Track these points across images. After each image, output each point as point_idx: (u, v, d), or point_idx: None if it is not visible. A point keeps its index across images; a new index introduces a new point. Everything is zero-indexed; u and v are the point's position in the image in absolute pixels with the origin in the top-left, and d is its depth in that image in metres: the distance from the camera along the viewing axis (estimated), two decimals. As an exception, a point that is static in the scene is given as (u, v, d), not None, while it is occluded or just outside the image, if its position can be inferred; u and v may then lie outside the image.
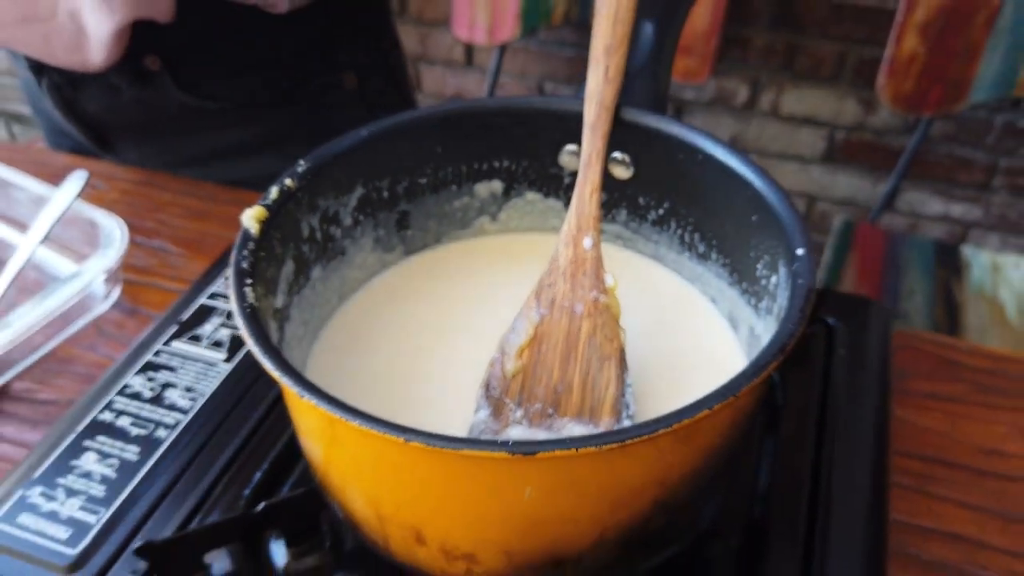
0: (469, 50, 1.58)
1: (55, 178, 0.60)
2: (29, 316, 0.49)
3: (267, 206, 0.32)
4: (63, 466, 0.36)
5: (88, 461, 0.36)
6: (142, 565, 0.32)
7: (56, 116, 0.77)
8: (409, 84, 0.86)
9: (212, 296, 0.46)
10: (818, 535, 0.35)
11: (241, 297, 0.28)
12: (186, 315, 0.44)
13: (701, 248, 0.36)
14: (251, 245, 0.30)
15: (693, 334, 0.35)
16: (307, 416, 0.28)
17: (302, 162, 0.33)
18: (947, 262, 1.19)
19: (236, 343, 0.42)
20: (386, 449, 0.25)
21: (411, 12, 1.55)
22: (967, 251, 1.20)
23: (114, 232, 0.55)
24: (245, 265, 0.29)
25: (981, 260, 1.19)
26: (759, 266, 0.32)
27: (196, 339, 0.42)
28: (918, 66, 1.14)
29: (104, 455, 0.37)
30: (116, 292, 0.56)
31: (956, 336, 1.04)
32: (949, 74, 1.14)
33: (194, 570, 0.32)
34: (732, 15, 1.28)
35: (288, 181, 0.33)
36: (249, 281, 0.29)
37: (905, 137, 1.32)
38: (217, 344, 0.41)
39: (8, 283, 0.52)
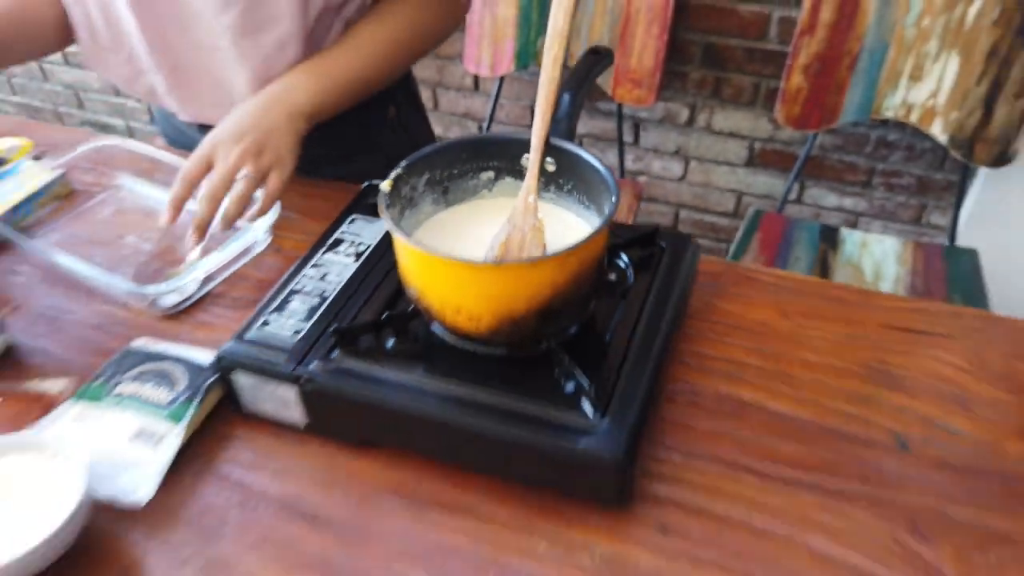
0: (476, 79, 1.88)
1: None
2: (229, 249, 0.83)
3: (392, 180, 0.67)
4: (281, 306, 0.71)
5: (293, 304, 0.71)
6: (330, 341, 0.66)
7: (194, 134, 1.03)
8: (423, 108, 1.15)
9: (336, 240, 0.78)
10: (631, 349, 0.69)
11: (387, 208, 0.63)
12: (327, 243, 0.78)
13: (586, 201, 0.70)
14: (388, 194, 0.65)
15: (577, 236, 0.70)
16: (410, 257, 0.62)
17: (404, 162, 0.68)
18: (828, 239, 1.52)
19: (360, 253, 0.76)
20: (444, 267, 0.60)
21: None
22: (844, 232, 1.53)
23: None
24: (388, 201, 0.64)
25: (854, 238, 1.52)
26: (603, 204, 0.67)
27: (336, 252, 0.77)
28: (803, 96, 1.46)
29: (300, 303, 0.71)
30: (270, 239, 0.90)
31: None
32: (825, 102, 1.46)
33: (351, 343, 0.66)
34: (672, 56, 1.60)
35: (399, 170, 0.67)
36: (388, 204, 0.64)
37: (804, 147, 1.66)
38: (347, 255, 0.76)
39: (203, 241, 0.85)
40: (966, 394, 0.71)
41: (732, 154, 1.75)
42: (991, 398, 0.71)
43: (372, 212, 0.81)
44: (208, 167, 0.78)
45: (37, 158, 1.01)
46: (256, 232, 0.86)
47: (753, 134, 1.71)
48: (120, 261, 0.88)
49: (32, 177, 0.94)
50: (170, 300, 0.81)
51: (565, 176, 0.70)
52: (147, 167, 0.98)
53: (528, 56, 1.62)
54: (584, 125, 1.84)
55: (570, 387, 0.62)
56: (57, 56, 2.29)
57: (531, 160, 0.67)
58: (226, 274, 0.86)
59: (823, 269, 1.44)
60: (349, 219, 0.80)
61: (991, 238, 1.49)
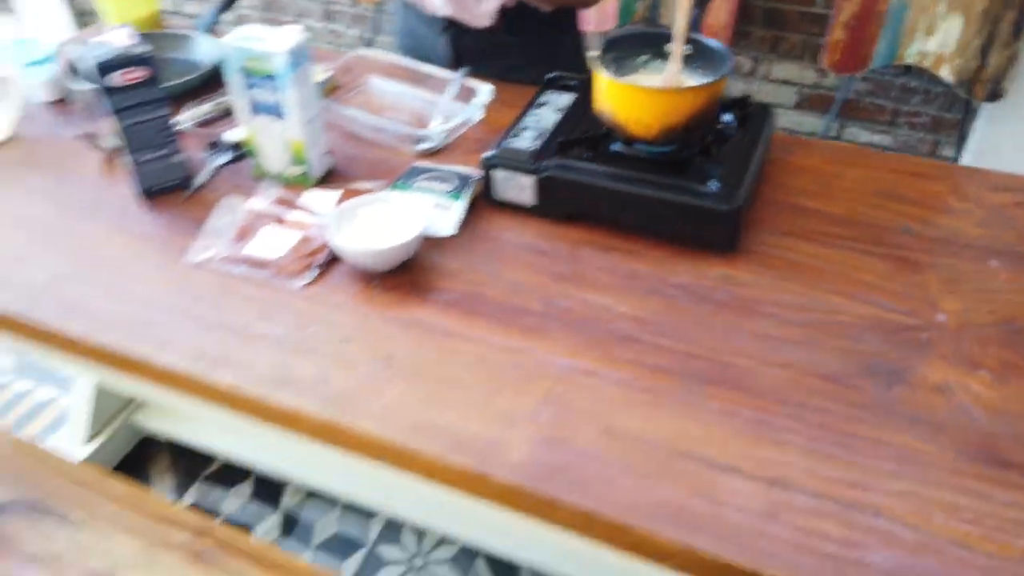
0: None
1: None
2: (460, 117, 1.23)
3: (600, 51, 1.06)
4: (517, 134, 1.10)
5: (525, 133, 1.10)
6: (554, 149, 1.05)
7: (436, 46, 1.43)
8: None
9: (540, 102, 1.18)
10: (737, 158, 1.07)
11: (600, 63, 1.02)
12: (536, 103, 1.17)
13: (707, 72, 1.09)
14: (597, 57, 1.04)
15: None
16: (613, 88, 1.01)
17: (602, 42, 1.07)
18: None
19: (559, 108, 1.15)
20: (636, 92, 0.99)
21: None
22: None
23: (485, 89, 1.29)
24: (599, 59, 1.03)
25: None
26: (721, 70, 1.06)
27: (543, 108, 1.16)
28: (843, 46, 1.82)
29: (529, 132, 1.10)
30: (482, 114, 1.29)
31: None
32: (859, 51, 1.82)
33: (567, 151, 1.05)
34: (740, 18, 1.97)
35: (600, 47, 1.07)
36: (600, 61, 1.03)
37: (842, 92, 2.02)
38: (550, 110, 1.16)
39: (442, 109, 1.25)
40: (949, 206, 1.09)
41: (785, 98, 2.12)
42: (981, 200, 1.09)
43: (561, 89, 1.20)
44: None
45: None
46: (476, 109, 1.25)
47: (802, 81, 2.07)
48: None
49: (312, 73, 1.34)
50: (425, 145, 1.21)
51: (696, 58, 1.09)
52: (389, 70, 1.38)
53: (629, 15, 2.00)
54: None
55: (702, 174, 1.01)
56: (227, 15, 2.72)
57: (675, 47, 1.06)
58: (456, 135, 1.25)
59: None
60: (546, 92, 1.20)
61: (988, 164, 1.84)
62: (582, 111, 1.13)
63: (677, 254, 1.02)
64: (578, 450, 0.78)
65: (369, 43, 2.37)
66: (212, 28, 1.48)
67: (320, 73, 1.35)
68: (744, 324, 0.92)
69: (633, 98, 1.00)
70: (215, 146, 1.22)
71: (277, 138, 1.10)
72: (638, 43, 1.11)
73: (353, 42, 2.57)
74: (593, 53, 1.05)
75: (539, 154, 1.06)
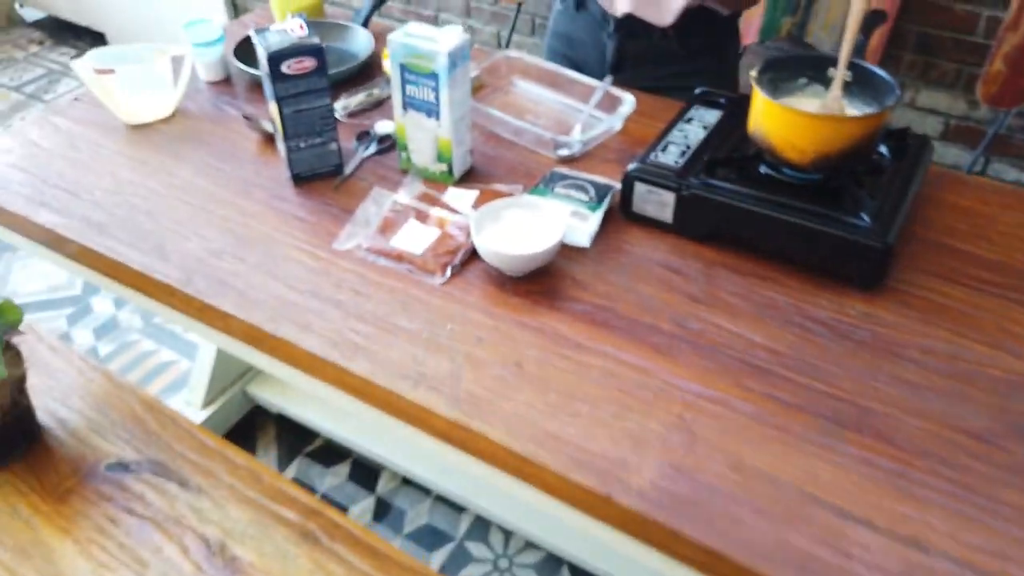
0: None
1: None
2: (600, 127, 1.20)
3: (758, 71, 1.01)
4: (663, 148, 1.07)
5: (670, 149, 1.07)
6: (699, 167, 1.02)
7: (596, 50, 1.42)
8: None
9: (688, 118, 1.14)
10: (891, 193, 1.01)
11: (759, 84, 0.98)
12: (683, 119, 1.14)
13: (869, 100, 1.03)
14: (756, 78, 1.00)
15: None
16: (770, 110, 0.97)
17: (762, 63, 1.03)
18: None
19: (706, 126, 1.12)
20: (795, 117, 0.95)
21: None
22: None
23: (628, 99, 1.26)
24: (759, 80, 0.99)
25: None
26: (885, 99, 1.00)
27: (690, 124, 1.12)
28: (1001, 78, 1.70)
29: (674, 148, 1.07)
30: (621, 124, 1.26)
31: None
32: (1019, 85, 1.70)
33: (714, 170, 1.02)
34: (891, 42, 1.87)
35: (760, 67, 1.02)
36: (759, 82, 0.98)
37: (994, 125, 1.89)
38: (697, 126, 1.12)
39: (585, 117, 1.23)
40: (1120, 254, 1.00)
41: (929, 128, 2.00)
42: None
43: (709, 105, 1.17)
44: None
45: (458, 61, 1.42)
46: (618, 119, 1.23)
47: (950, 112, 1.95)
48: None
49: (460, 72, 1.34)
50: (564, 152, 1.19)
51: (857, 85, 1.03)
52: (535, 73, 1.37)
53: (771, 31, 1.93)
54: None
55: (853, 204, 0.95)
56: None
57: (839, 72, 1.00)
58: (595, 144, 1.23)
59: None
60: (694, 107, 1.16)
61: None
62: (729, 130, 1.09)
63: (816, 285, 0.97)
64: (705, 482, 0.75)
65: (506, 42, 2.37)
66: (368, 20, 1.51)
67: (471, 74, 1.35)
68: (885, 367, 0.87)
69: (791, 122, 0.95)
70: (364, 136, 1.24)
71: (427, 134, 1.11)
72: (798, 65, 1.06)
73: (489, 39, 2.58)
74: (752, 72, 1.00)
75: (684, 171, 1.03)
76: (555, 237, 0.96)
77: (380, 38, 1.49)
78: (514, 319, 0.93)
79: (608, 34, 1.40)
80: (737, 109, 1.10)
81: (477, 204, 1.08)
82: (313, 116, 1.09)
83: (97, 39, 3.48)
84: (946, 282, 0.97)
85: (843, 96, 1.01)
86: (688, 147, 1.07)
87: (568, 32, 1.48)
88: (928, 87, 1.95)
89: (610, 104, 1.27)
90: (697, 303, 0.95)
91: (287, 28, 1.07)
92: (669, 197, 1.02)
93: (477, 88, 1.37)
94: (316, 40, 1.05)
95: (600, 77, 1.45)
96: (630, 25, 1.37)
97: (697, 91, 1.21)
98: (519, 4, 2.24)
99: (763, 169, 1.03)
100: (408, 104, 1.10)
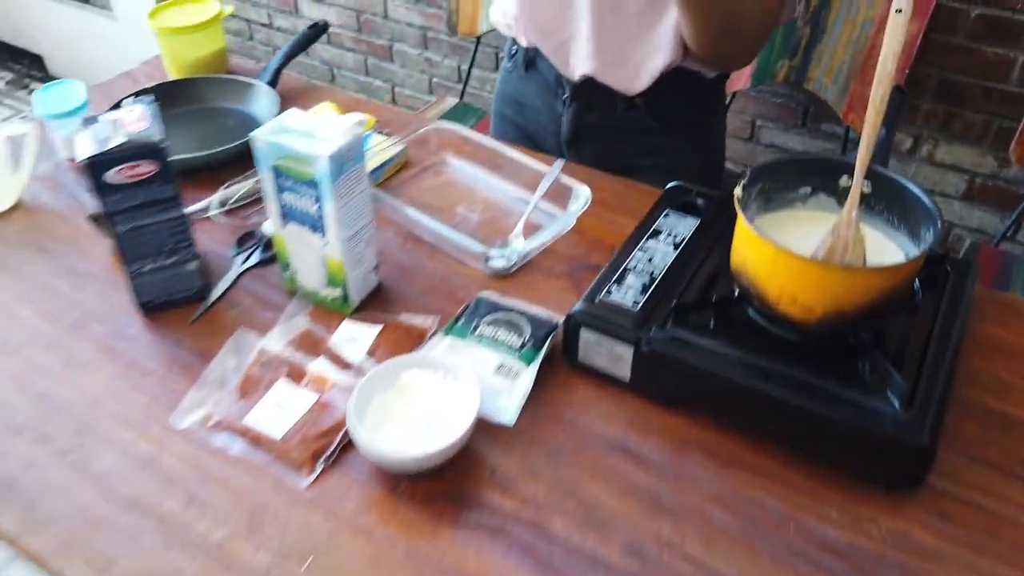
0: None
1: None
2: (547, 232, 0.94)
3: (743, 186, 0.75)
4: (619, 279, 0.80)
5: (629, 279, 0.81)
6: (664, 313, 0.76)
7: (550, 119, 1.17)
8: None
9: (655, 230, 0.87)
10: (927, 357, 0.75)
11: (743, 209, 0.72)
12: (648, 231, 0.88)
13: (896, 223, 0.77)
14: (743, 192, 0.74)
15: (888, 255, 0.77)
16: (762, 251, 0.71)
17: (750, 172, 0.76)
18: (1046, 278, 1.49)
19: (677, 243, 0.85)
20: (796, 263, 0.68)
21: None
22: (1061, 272, 1.50)
23: (582, 192, 1.00)
24: (742, 202, 0.73)
25: (1072, 280, 1.49)
26: (920, 229, 0.74)
27: (657, 240, 0.86)
28: (1041, 139, 1.45)
29: (634, 278, 0.80)
30: (574, 222, 1.00)
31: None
32: (1063, 147, 1.44)
33: (684, 317, 0.76)
34: (907, 87, 1.61)
35: (746, 180, 0.76)
36: (743, 205, 0.72)
37: (1027, 187, 1.63)
38: (666, 244, 0.86)
39: (527, 215, 0.97)
40: None
41: (949, 186, 1.74)
42: None
43: (683, 208, 0.91)
44: None
45: (380, 132, 1.16)
46: (570, 217, 0.97)
47: (975, 169, 1.69)
48: (455, 226, 1.01)
49: (380, 147, 1.09)
50: (499, 264, 0.93)
51: (877, 198, 0.77)
52: (468, 149, 1.11)
53: (766, 75, 1.67)
54: (801, 143, 1.87)
55: (876, 378, 0.69)
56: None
57: (855, 181, 0.74)
58: (539, 251, 0.97)
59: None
60: (663, 213, 0.90)
61: None
62: (709, 246, 0.84)
63: (823, 484, 0.71)
64: None
65: (466, 77, 2.11)
66: (276, 77, 1.25)
67: (389, 147, 1.09)
68: (924, 631, 0.61)
69: (790, 268, 0.70)
70: (247, 240, 0.98)
71: (312, 253, 0.85)
72: (799, 171, 0.80)
73: (449, 73, 2.32)
74: (737, 190, 0.75)
75: (644, 317, 0.77)
76: (464, 423, 0.70)
77: (292, 98, 1.24)
78: (406, 545, 0.67)
79: (563, 101, 1.15)
80: (721, 214, 0.84)
81: (377, 347, 0.82)
82: (160, 233, 0.84)
83: (35, 62, 3.22)
84: (1003, 476, 0.72)
85: (862, 213, 0.75)
86: (652, 277, 0.81)
87: (518, 95, 1.23)
88: (951, 141, 1.69)
89: (562, 193, 1.01)
90: (661, 513, 0.69)
91: (120, 119, 0.81)
92: (626, 352, 0.76)
93: (402, 165, 1.12)
94: (156, 137, 0.79)
95: (556, 150, 1.19)
96: (590, 91, 1.11)
97: (669, 186, 0.95)
98: (478, 38, 1.98)
99: (752, 313, 0.77)
100: (287, 215, 0.84)
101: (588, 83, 1.10)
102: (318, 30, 1.30)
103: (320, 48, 2.57)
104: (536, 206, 1.01)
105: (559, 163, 1.03)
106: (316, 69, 2.65)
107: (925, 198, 0.73)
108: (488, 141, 1.08)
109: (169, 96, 1.20)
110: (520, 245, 0.96)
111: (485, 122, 1.94)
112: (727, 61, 1.08)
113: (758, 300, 0.73)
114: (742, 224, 0.71)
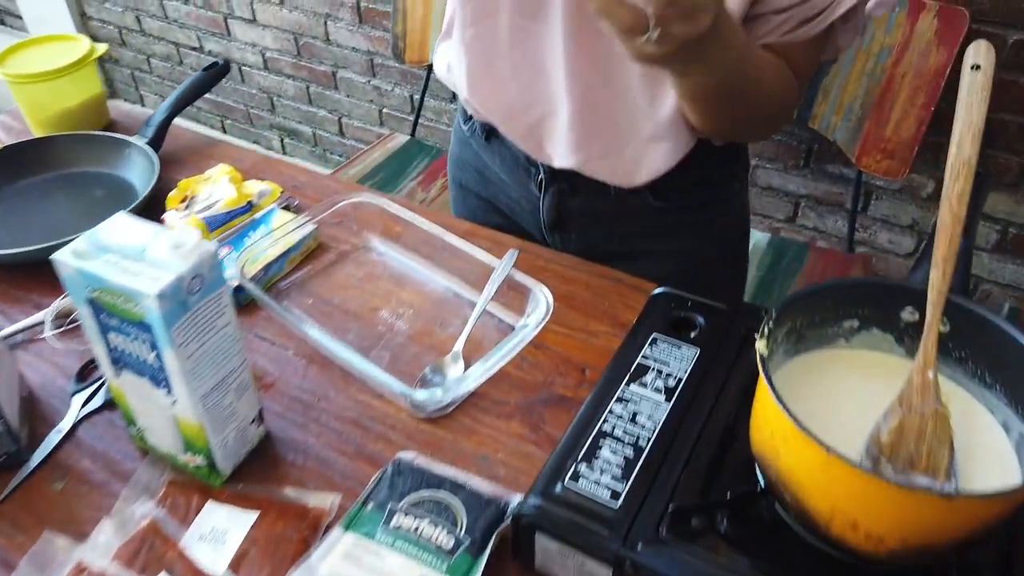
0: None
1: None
2: (500, 354, 0.71)
3: (766, 336, 0.52)
4: (590, 453, 0.57)
5: (604, 452, 0.58)
6: (656, 515, 0.53)
7: (517, 193, 0.93)
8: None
9: (640, 366, 0.64)
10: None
11: (769, 380, 0.49)
12: (631, 370, 0.64)
13: (988, 378, 0.55)
14: (767, 344, 0.51)
15: (980, 431, 0.54)
16: (793, 442, 0.47)
17: (774, 313, 0.53)
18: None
19: (670, 389, 0.62)
20: (852, 479, 0.45)
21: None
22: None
23: (541, 297, 0.77)
24: (766, 368, 0.50)
25: None
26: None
27: (642, 384, 0.63)
28: (1095, 189, 1.24)
29: (611, 451, 0.57)
30: (534, 333, 0.77)
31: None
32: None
33: (686, 524, 0.53)
34: (931, 126, 1.40)
35: (770, 324, 0.53)
36: (766, 372, 0.49)
37: (1073, 241, 1.42)
38: (655, 389, 0.63)
39: (471, 327, 0.75)
40: None
41: (979, 237, 1.53)
42: None
43: (673, 331, 0.68)
44: None
45: (286, 207, 0.93)
46: (527, 332, 0.73)
47: (1010, 218, 1.48)
48: (375, 340, 0.78)
49: (282, 227, 0.86)
50: (429, 405, 0.70)
51: (958, 340, 0.55)
52: (398, 230, 0.88)
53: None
54: (805, 186, 1.65)
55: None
56: (257, 59, 2.28)
57: (928, 321, 0.52)
58: (494, 371, 0.73)
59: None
60: (650, 339, 0.67)
61: None
62: (713, 394, 0.61)
63: None
64: None
65: (418, 108, 1.87)
66: (160, 137, 1.01)
67: (295, 229, 0.86)
68: None
69: (850, 488, 0.46)
70: (89, 373, 0.74)
71: (159, 411, 0.61)
72: (841, 302, 0.57)
73: (400, 103, 2.09)
74: (759, 340, 0.52)
75: (628, 516, 0.54)
76: None
77: (179, 160, 1.00)
78: None
79: (538, 184, 0.92)
80: (728, 339, 0.61)
81: (247, 550, 0.59)
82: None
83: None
84: None
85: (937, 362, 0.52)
86: (637, 448, 0.58)
87: (479, 166, 0.99)
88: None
89: (517, 298, 0.78)
90: None
91: None
92: (602, 571, 0.53)
93: (314, 247, 0.89)
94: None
95: (535, 225, 0.96)
96: (573, 178, 0.88)
97: (656, 292, 0.73)
98: (429, 65, 1.75)
99: (781, 511, 0.54)
100: (118, 361, 0.60)
101: (570, 172, 0.87)
102: (216, 72, 1.06)
103: (257, 75, 2.33)
104: (484, 311, 0.78)
105: (511, 255, 0.80)
106: (254, 97, 2.41)
107: (1012, 332, 0.51)
108: (423, 223, 0.85)
109: (25, 158, 0.97)
110: (457, 375, 0.73)
111: (441, 162, 1.71)
112: (745, 140, 0.89)
113: (797, 513, 0.50)
114: (769, 399, 0.48)
